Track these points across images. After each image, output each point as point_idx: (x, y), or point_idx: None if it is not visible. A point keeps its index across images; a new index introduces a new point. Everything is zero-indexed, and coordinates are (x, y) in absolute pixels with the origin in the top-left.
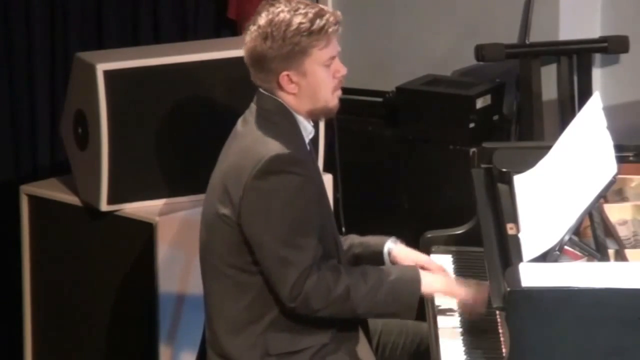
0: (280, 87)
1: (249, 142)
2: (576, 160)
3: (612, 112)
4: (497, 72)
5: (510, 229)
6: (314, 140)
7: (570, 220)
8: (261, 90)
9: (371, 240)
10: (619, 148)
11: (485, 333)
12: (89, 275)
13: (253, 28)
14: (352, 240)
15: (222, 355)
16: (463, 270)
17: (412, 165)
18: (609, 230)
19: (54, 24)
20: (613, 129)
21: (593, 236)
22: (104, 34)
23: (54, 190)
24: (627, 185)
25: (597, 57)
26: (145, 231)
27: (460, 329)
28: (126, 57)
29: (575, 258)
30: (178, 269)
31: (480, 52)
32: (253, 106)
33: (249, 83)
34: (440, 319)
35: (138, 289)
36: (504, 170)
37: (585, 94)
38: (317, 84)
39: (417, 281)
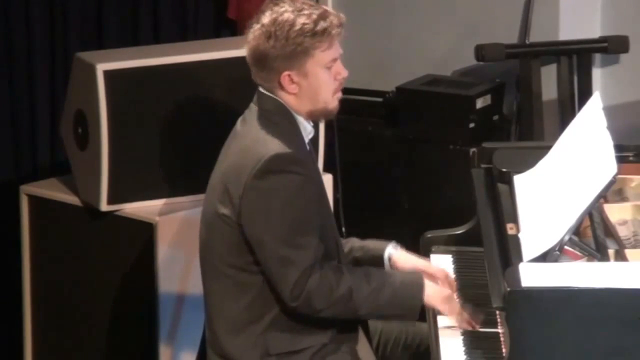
0: (281, 87)
1: (248, 142)
2: (576, 160)
3: (612, 112)
4: (497, 72)
5: (510, 229)
6: (314, 140)
7: (570, 220)
8: (261, 89)
9: (372, 244)
10: (619, 148)
11: (485, 333)
12: (89, 275)
13: (256, 26)
14: (352, 244)
15: (222, 355)
16: (463, 270)
17: (412, 165)
18: (609, 230)
19: (54, 24)
20: (613, 129)
21: (593, 236)
22: (104, 34)
23: (54, 190)
24: (627, 185)
25: (597, 57)
26: (145, 231)
27: (461, 329)
28: (126, 57)
29: (575, 258)
30: (178, 269)
31: (480, 52)
32: (253, 106)
33: (249, 83)
34: (440, 319)
35: (138, 289)
36: (504, 170)
37: (585, 94)
38: (318, 85)
39: (420, 285)
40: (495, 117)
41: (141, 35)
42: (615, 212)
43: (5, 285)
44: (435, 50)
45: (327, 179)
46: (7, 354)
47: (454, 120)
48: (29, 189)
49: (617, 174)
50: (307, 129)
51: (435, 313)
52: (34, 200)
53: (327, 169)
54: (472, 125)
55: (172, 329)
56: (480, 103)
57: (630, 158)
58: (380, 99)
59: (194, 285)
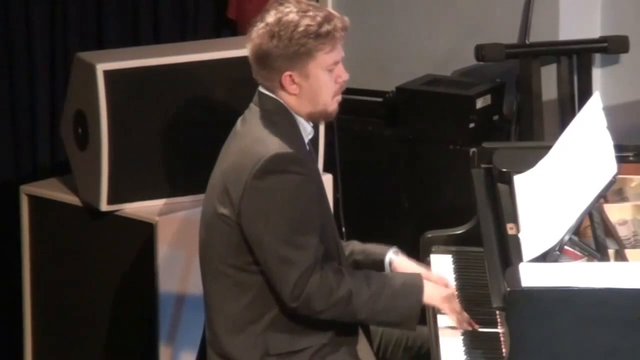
0: (282, 87)
1: (248, 142)
2: (576, 160)
3: (612, 112)
4: (497, 72)
5: (510, 229)
6: (314, 140)
7: (570, 220)
8: (261, 89)
9: (373, 248)
10: (619, 148)
11: (485, 333)
12: (89, 275)
13: (260, 25)
14: (353, 247)
15: (222, 355)
16: (463, 270)
17: (412, 165)
18: (609, 230)
19: (54, 24)
20: (613, 129)
21: (593, 236)
22: (104, 34)
23: (54, 190)
24: (627, 185)
25: (597, 57)
26: (145, 231)
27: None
28: (126, 57)
29: (575, 258)
30: (178, 269)
31: (480, 52)
32: (253, 106)
33: (249, 83)
34: (440, 319)
35: (138, 289)
36: (504, 170)
37: (585, 94)
38: (318, 87)
39: (419, 287)
40: (495, 117)
41: (141, 35)
42: (615, 212)
43: (5, 285)
44: (435, 50)
45: (327, 179)
46: (7, 354)
47: (454, 120)
48: (29, 189)
49: (617, 174)
50: (307, 130)
51: (436, 313)
52: (34, 200)
53: (327, 169)
54: (472, 125)
55: (172, 329)
56: (480, 103)
57: (630, 158)
58: (380, 99)
59: (194, 285)
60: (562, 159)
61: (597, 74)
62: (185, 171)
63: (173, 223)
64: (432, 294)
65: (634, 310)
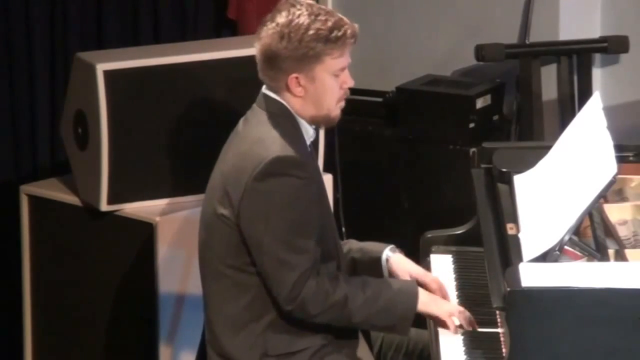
0: (287, 89)
1: (249, 143)
2: (576, 160)
3: (612, 112)
4: (497, 72)
5: (510, 229)
6: (314, 140)
7: (570, 220)
8: (265, 91)
9: (370, 246)
10: (619, 148)
11: (485, 333)
12: (89, 275)
13: (271, 25)
14: (351, 245)
15: (222, 355)
16: (463, 270)
17: (412, 165)
18: (609, 230)
19: (54, 24)
20: (613, 129)
21: (593, 236)
22: (104, 34)
23: (54, 190)
24: (627, 185)
25: (597, 57)
26: (145, 231)
27: (460, 329)
28: (126, 57)
29: (575, 258)
30: (178, 269)
31: (480, 52)
32: (255, 107)
33: (249, 83)
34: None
35: (138, 289)
36: (504, 170)
37: (585, 94)
38: (323, 91)
39: (414, 297)
40: (495, 117)
41: (141, 35)
42: (615, 212)
43: (5, 285)
44: (435, 50)
45: (327, 179)
46: (7, 354)
47: (454, 120)
48: (29, 189)
49: (617, 174)
50: (309, 132)
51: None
52: (34, 200)
53: (327, 169)
54: (472, 125)
55: (172, 329)
56: (480, 103)
57: (630, 158)
58: (380, 99)
59: (194, 285)
60: (562, 159)
61: (597, 74)
62: (185, 171)
63: (173, 223)
64: (426, 301)
65: (634, 310)
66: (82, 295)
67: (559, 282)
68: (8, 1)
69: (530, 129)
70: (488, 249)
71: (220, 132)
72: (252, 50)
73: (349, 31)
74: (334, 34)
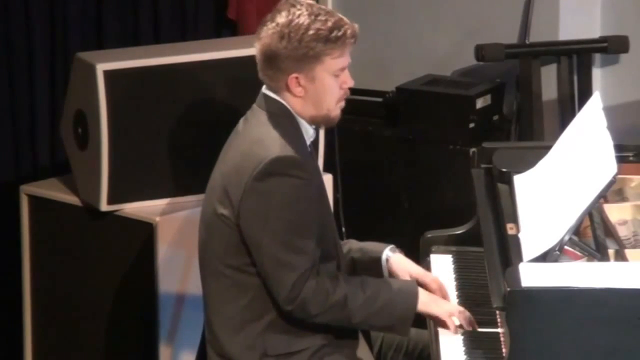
0: (287, 88)
1: (250, 143)
2: (576, 160)
3: (612, 112)
4: (497, 72)
5: (510, 229)
6: (314, 140)
7: (570, 220)
8: (265, 91)
9: (370, 246)
10: (619, 148)
11: (485, 333)
12: (89, 275)
13: (271, 25)
14: (351, 245)
15: (222, 355)
16: (463, 270)
17: (412, 165)
18: (609, 230)
19: (54, 24)
20: (613, 129)
21: (593, 236)
22: (104, 34)
23: (54, 190)
24: (627, 185)
25: (597, 57)
26: (145, 231)
27: (461, 329)
28: (126, 57)
29: (575, 258)
30: (178, 269)
31: (480, 52)
32: (255, 107)
33: (249, 83)
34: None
35: (138, 289)
36: (504, 170)
37: (585, 94)
38: (323, 91)
39: (414, 296)
40: (495, 117)
41: (141, 35)
42: (615, 212)
43: (5, 285)
44: (435, 50)
45: (327, 179)
46: (7, 354)
47: (454, 120)
48: (29, 189)
49: (617, 174)
50: (309, 132)
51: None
52: (34, 200)
53: (327, 169)
54: (472, 125)
55: (172, 329)
56: (480, 103)
57: (630, 158)
58: (380, 99)
59: (194, 285)
60: (562, 159)
61: (597, 74)
62: (185, 171)
63: (173, 223)
64: (426, 301)
65: (634, 310)
66: (82, 295)
67: (559, 282)
68: (8, 1)
69: (530, 129)
70: (488, 249)
71: (220, 132)
72: (252, 50)
73: (349, 31)
74: (334, 34)
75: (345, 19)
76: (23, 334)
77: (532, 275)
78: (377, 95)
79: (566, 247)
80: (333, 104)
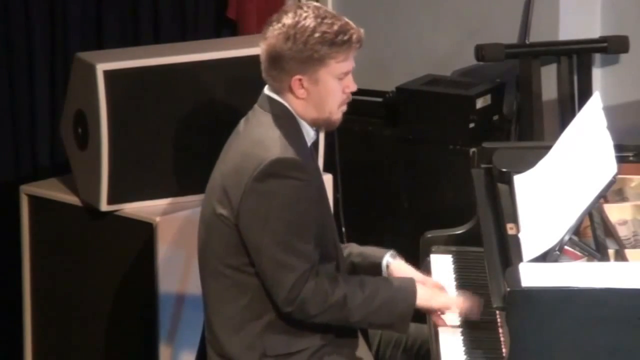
0: (290, 90)
1: (250, 144)
2: (576, 160)
3: (612, 112)
4: (497, 72)
5: (510, 229)
6: (314, 140)
7: (570, 220)
8: (267, 92)
9: (370, 251)
10: (619, 148)
11: (485, 333)
12: (89, 275)
13: (277, 25)
14: (351, 249)
15: (222, 354)
16: (463, 270)
17: (412, 165)
18: (609, 230)
19: (54, 24)
20: (613, 129)
21: (593, 236)
22: (104, 34)
23: (54, 190)
24: (627, 185)
25: (597, 57)
26: (145, 231)
27: (460, 329)
28: (126, 57)
29: (575, 258)
30: (178, 269)
31: (480, 52)
32: (257, 107)
33: (249, 83)
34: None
35: (138, 289)
36: (504, 170)
37: (585, 94)
38: (326, 94)
39: (412, 294)
40: (495, 117)
41: (141, 35)
42: (615, 212)
43: (5, 285)
44: (435, 50)
45: (327, 179)
46: (7, 354)
47: (454, 120)
48: (29, 189)
49: (617, 174)
50: (309, 134)
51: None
52: (34, 200)
53: (327, 169)
54: (472, 125)
55: (172, 329)
56: (480, 103)
57: (630, 158)
58: (380, 99)
59: (194, 285)
60: (562, 159)
61: (597, 74)
62: (185, 171)
63: (173, 223)
64: (424, 296)
65: (634, 310)
66: (82, 295)
67: (559, 282)
68: (8, 1)
69: (530, 129)
70: (488, 249)
71: (220, 132)
72: (252, 50)
73: (354, 36)
74: (339, 38)
75: (351, 23)
76: (23, 334)
77: (532, 275)
78: (377, 95)
79: (566, 247)
80: (335, 108)
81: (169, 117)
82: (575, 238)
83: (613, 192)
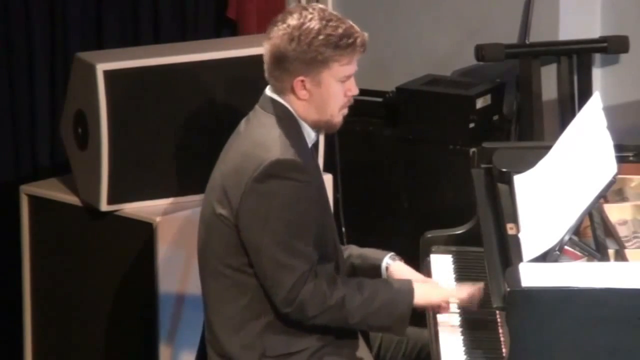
0: (292, 91)
1: (250, 144)
2: (576, 160)
3: (612, 112)
4: (497, 72)
5: (510, 229)
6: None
7: (570, 220)
8: (268, 92)
9: (370, 253)
10: (619, 148)
11: (485, 333)
12: (89, 275)
13: (282, 26)
14: (351, 251)
15: (222, 354)
16: (463, 270)
17: (412, 165)
18: (609, 230)
19: (54, 24)
20: (613, 129)
21: (593, 236)
22: (104, 34)
23: (54, 190)
24: (627, 185)
25: (597, 57)
26: (145, 231)
27: (461, 329)
28: (126, 57)
29: (575, 258)
30: (178, 269)
31: (480, 52)
32: (258, 108)
33: (249, 83)
34: (441, 319)
35: (138, 289)
36: (504, 170)
37: (585, 94)
38: (328, 97)
39: (410, 294)
40: (495, 117)
41: (141, 35)
42: (615, 212)
43: (5, 285)
44: (435, 50)
45: (327, 179)
46: (7, 354)
47: (454, 120)
48: (29, 189)
49: (617, 174)
50: (310, 135)
51: (436, 313)
52: (34, 200)
53: (327, 169)
54: (472, 125)
55: (172, 329)
56: (480, 103)
57: (630, 158)
58: (380, 99)
59: (194, 285)
60: (562, 159)
61: (597, 74)
62: (185, 171)
63: (173, 223)
64: (422, 294)
65: (634, 310)
66: (82, 295)
67: (559, 282)
68: (8, 1)
69: (530, 129)
70: (488, 249)
71: (220, 132)
72: (252, 50)
73: (359, 39)
74: (343, 41)
75: (356, 27)
76: (23, 334)
77: (532, 275)
78: (377, 95)
79: (566, 247)
80: (336, 110)
81: (169, 117)
82: (575, 238)
83: (613, 192)
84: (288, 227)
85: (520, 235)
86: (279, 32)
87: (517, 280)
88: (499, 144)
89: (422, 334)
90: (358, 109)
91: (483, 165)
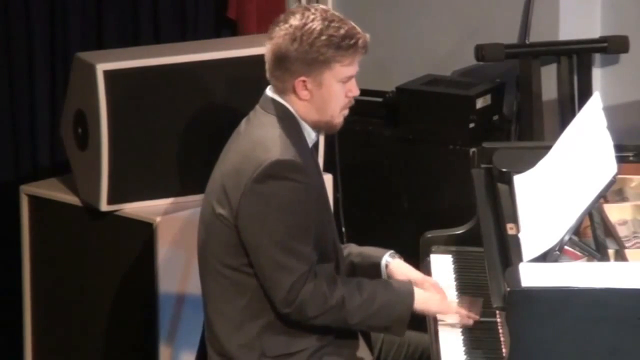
0: (293, 91)
1: (250, 145)
2: (576, 160)
3: (612, 112)
4: (497, 72)
5: (510, 229)
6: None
7: (570, 220)
8: (269, 93)
9: (370, 251)
10: (619, 148)
11: (485, 333)
12: (89, 276)
13: (284, 26)
14: (350, 250)
15: (222, 354)
16: (463, 270)
17: (412, 165)
18: (609, 230)
19: (54, 24)
20: (613, 129)
21: (593, 236)
22: (104, 34)
23: (54, 190)
24: (627, 185)
25: (597, 57)
26: (145, 231)
27: (461, 329)
28: (126, 57)
29: (575, 258)
30: (178, 269)
31: (480, 52)
32: (258, 108)
33: (249, 83)
34: (441, 319)
35: (138, 289)
36: (504, 170)
37: (585, 94)
38: (329, 97)
39: (410, 297)
40: (495, 117)
41: (141, 35)
42: (615, 212)
43: (5, 285)
44: (435, 50)
45: (327, 179)
46: (7, 354)
47: (454, 120)
48: (29, 189)
49: (617, 174)
50: (310, 136)
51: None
52: (34, 200)
53: (327, 169)
54: (472, 125)
55: (172, 329)
56: (480, 103)
57: (630, 158)
58: (380, 99)
59: (194, 285)
60: (562, 159)
61: (597, 74)
62: (185, 171)
63: (173, 223)
64: (423, 300)
65: (634, 310)
66: (82, 295)
67: (559, 282)
68: (8, 1)
69: (530, 129)
70: (488, 249)
71: (220, 131)
72: (252, 50)
73: (360, 40)
74: (345, 42)
75: (357, 28)
76: (23, 334)
77: (532, 275)
78: (377, 95)
79: (566, 247)
80: (337, 111)
81: (169, 117)
82: (575, 238)
83: (613, 192)
84: (287, 228)
85: (520, 235)
86: (281, 32)
87: (517, 280)
88: (499, 144)
89: (423, 338)
90: (358, 109)
91: (483, 165)
